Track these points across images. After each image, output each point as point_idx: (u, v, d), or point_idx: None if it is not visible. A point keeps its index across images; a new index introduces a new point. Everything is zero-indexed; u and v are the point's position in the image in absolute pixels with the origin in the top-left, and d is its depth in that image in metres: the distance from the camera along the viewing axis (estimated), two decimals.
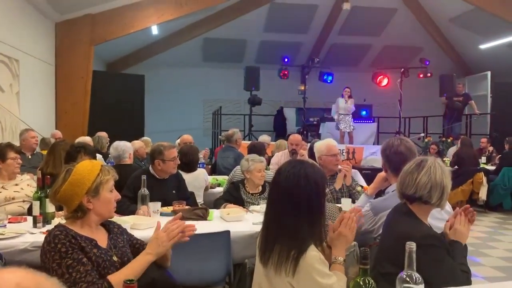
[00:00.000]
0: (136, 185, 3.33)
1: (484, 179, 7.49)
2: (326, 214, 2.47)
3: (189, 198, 3.88)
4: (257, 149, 4.79)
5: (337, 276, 1.72)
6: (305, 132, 11.38)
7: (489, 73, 12.55)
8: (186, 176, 4.25)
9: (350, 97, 9.98)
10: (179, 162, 3.76)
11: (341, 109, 9.89)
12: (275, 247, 1.69)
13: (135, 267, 1.84)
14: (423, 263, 1.45)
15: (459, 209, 2.03)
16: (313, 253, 1.64)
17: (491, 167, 8.22)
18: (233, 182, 3.96)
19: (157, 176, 3.64)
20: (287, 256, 1.64)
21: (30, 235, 2.60)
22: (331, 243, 1.87)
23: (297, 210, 1.71)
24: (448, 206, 2.15)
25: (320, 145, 3.93)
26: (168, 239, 1.90)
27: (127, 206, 3.31)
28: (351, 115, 10.00)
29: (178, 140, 6.41)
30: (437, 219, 2.17)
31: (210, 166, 6.58)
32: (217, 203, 3.69)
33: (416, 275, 1.41)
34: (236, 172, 4.50)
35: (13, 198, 3.35)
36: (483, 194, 7.44)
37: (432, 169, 1.92)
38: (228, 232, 2.74)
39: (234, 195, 3.70)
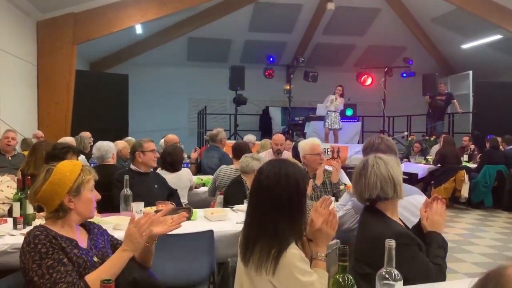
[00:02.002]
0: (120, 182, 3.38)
1: (466, 177, 7.61)
2: (307, 212, 2.49)
3: (175, 194, 3.92)
4: (241, 148, 4.77)
5: (318, 273, 1.73)
6: (290, 131, 11.42)
7: (470, 72, 12.75)
8: (170, 176, 4.23)
9: (341, 96, 10.03)
10: (158, 155, 3.82)
11: (331, 106, 9.94)
12: (255, 246, 1.69)
13: (113, 265, 1.81)
14: (396, 262, 1.49)
15: (429, 200, 2.06)
16: (293, 251, 1.65)
17: (473, 165, 8.37)
18: (237, 180, 3.90)
19: (139, 170, 3.69)
20: (268, 255, 1.64)
21: (10, 237, 2.56)
22: (311, 238, 1.87)
23: (277, 209, 1.71)
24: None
25: (304, 144, 3.94)
26: (139, 234, 1.85)
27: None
28: (338, 113, 10.03)
29: (162, 140, 6.38)
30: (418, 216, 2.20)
31: (195, 166, 6.56)
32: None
33: (395, 272, 1.43)
34: (221, 172, 4.49)
35: None
36: (465, 191, 7.56)
37: (376, 166, 1.94)
38: (211, 231, 2.74)
39: (242, 192, 3.66)
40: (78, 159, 3.70)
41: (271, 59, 12.17)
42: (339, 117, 10.06)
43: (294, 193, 1.72)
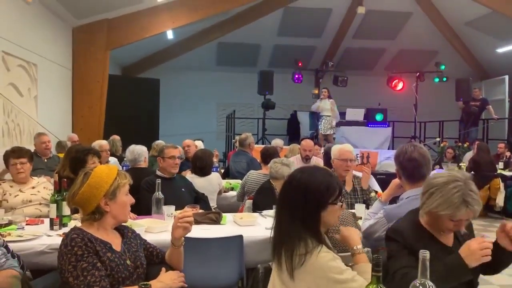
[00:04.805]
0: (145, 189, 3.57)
1: (501, 185, 7.37)
2: (339, 221, 2.47)
3: (202, 198, 3.97)
4: (270, 154, 4.77)
5: (361, 267, 1.76)
6: (318, 136, 11.33)
7: (506, 77, 12.37)
8: (199, 180, 4.28)
9: (329, 97, 9.88)
10: (177, 162, 3.84)
11: (319, 110, 9.83)
12: (275, 249, 1.73)
13: None
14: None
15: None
16: (323, 254, 1.64)
17: (508, 173, 8.09)
18: (266, 186, 3.90)
19: (165, 175, 3.75)
20: (289, 258, 1.66)
21: (47, 238, 2.64)
22: (343, 242, 1.96)
23: (286, 213, 1.75)
24: None
25: (334, 149, 3.93)
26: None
27: None
28: (331, 117, 9.78)
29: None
30: None
31: (223, 170, 6.61)
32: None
33: (429, 283, 1.40)
34: (250, 177, 4.50)
35: (30, 201, 3.41)
36: (500, 200, 7.32)
37: None
38: (241, 236, 2.75)
39: (272, 198, 3.68)
40: (100, 160, 3.81)
41: (300, 64, 12.13)
42: (333, 122, 9.84)
43: (301, 199, 1.72)
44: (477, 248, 1.76)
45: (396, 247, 1.91)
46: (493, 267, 1.94)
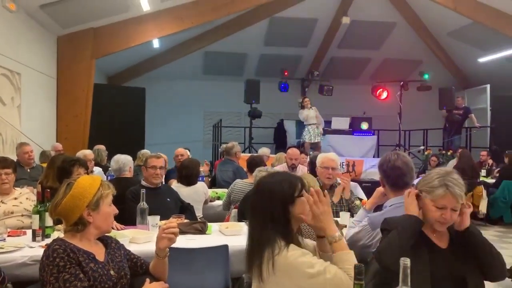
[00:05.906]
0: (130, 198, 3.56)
1: (484, 192, 7.47)
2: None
3: (188, 208, 3.94)
4: (256, 163, 4.78)
5: (340, 256, 1.70)
6: (305, 145, 11.37)
7: (488, 86, 12.60)
8: (185, 189, 4.27)
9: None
10: (158, 172, 3.79)
11: (312, 119, 9.93)
12: (252, 258, 1.74)
13: None
14: None
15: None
16: (292, 253, 1.66)
17: (491, 180, 8.21)
18: (250, 196, 3.90)
19: (149, 185, 3.73)
20: (261, 266, 1.68)
21: (29, 249, 2.61)
22: (317, 231, 1.83)
23: (258, 219, 1.79)
24: None
25: (319, 157, 3.98)
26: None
27: None
28: (316, 126, 9.89)
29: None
30: None
31: (209, 179, 6.58)
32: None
33: None
34: (236, 186, 4.50)
35: (12, 212, 3.34)
36: (483, 207, 7.42)
37: None
38: (226, 246, 2.74)
39: None
40: (87, 171, 3.78)
41: (286, 73, 12.20)
42: (320, 129, 9.96)
43: (267, 200, 1.77)
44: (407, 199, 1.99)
45: (384, 235, 1.99)
46: (480, 260, 1.94)
